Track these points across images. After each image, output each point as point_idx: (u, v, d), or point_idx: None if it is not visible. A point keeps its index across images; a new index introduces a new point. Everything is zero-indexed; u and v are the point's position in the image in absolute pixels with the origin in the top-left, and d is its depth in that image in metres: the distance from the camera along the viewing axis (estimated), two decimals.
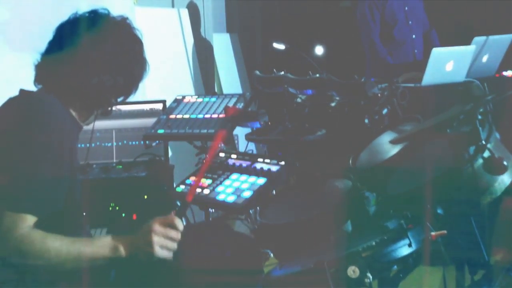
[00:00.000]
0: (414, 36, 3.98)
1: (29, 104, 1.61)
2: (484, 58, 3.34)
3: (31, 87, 1.69)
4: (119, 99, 1.75)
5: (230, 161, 2.38)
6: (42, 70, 1.68)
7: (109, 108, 1.77)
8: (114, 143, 2.83)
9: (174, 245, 1.54)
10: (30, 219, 1.48)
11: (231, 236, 2.06)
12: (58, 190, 1.56)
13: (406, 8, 3.95)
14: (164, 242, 1.52)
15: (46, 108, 1.59)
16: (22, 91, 1.68)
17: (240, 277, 1.77)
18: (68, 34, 1.65)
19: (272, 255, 2.23)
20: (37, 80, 1.69)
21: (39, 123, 1.54)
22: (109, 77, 1.65)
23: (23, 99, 1.65)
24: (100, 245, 1.53)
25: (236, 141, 4.17)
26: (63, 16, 1.69)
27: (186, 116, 2.84)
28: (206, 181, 2.28)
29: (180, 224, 1.56)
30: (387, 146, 2.15)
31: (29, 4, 2.96)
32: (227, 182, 2.24)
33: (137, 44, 1.73)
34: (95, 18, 1.67)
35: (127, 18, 1.73)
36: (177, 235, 1.55)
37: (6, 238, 1.45)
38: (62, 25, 1.69)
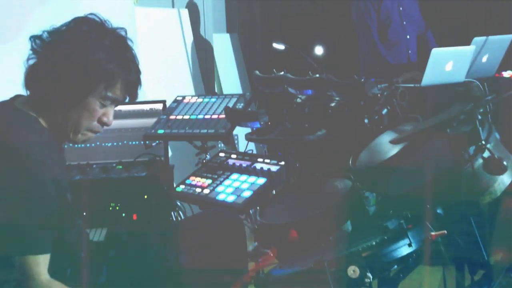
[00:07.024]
0: (408, 36, 3.97)
1: (4, 133, 1.52)
2: (484, 58, 3.34)
3: None
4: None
5: (230, 161, 2.39)
6: (26, 81, 1.61)
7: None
8: (114, 143, 2.83)
9: None
10: (43, 260, 1.45)
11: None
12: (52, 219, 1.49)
13: (401, 8, 3.95)
14: None
15: (23, 135, 1.52)
16: (12, 99, 1.65)
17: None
18: (49, 46, 1.59)
19: (272, 255, 2.23)
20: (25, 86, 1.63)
21: (15, 155, 1.47)
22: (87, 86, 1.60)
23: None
24: None
25: (236, 141, 4.17)
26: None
27: (186, 116, 2.84)
28: (206, 181, 2.29)
29: None
30: (387, 146, 2.15)
31: (29, 4, 2.96)
32: (227, 182, 2.24)
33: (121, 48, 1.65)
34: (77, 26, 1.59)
35: (103, 20, 1.64)
36: None
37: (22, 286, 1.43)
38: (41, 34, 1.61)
